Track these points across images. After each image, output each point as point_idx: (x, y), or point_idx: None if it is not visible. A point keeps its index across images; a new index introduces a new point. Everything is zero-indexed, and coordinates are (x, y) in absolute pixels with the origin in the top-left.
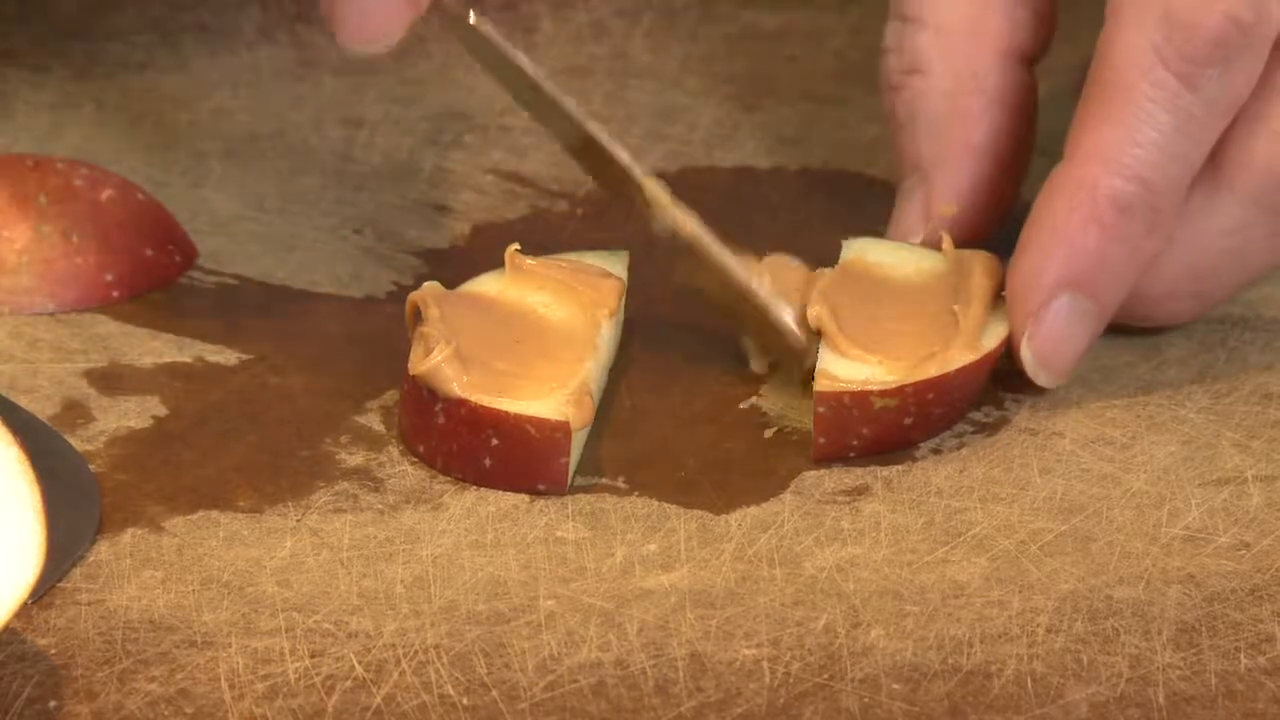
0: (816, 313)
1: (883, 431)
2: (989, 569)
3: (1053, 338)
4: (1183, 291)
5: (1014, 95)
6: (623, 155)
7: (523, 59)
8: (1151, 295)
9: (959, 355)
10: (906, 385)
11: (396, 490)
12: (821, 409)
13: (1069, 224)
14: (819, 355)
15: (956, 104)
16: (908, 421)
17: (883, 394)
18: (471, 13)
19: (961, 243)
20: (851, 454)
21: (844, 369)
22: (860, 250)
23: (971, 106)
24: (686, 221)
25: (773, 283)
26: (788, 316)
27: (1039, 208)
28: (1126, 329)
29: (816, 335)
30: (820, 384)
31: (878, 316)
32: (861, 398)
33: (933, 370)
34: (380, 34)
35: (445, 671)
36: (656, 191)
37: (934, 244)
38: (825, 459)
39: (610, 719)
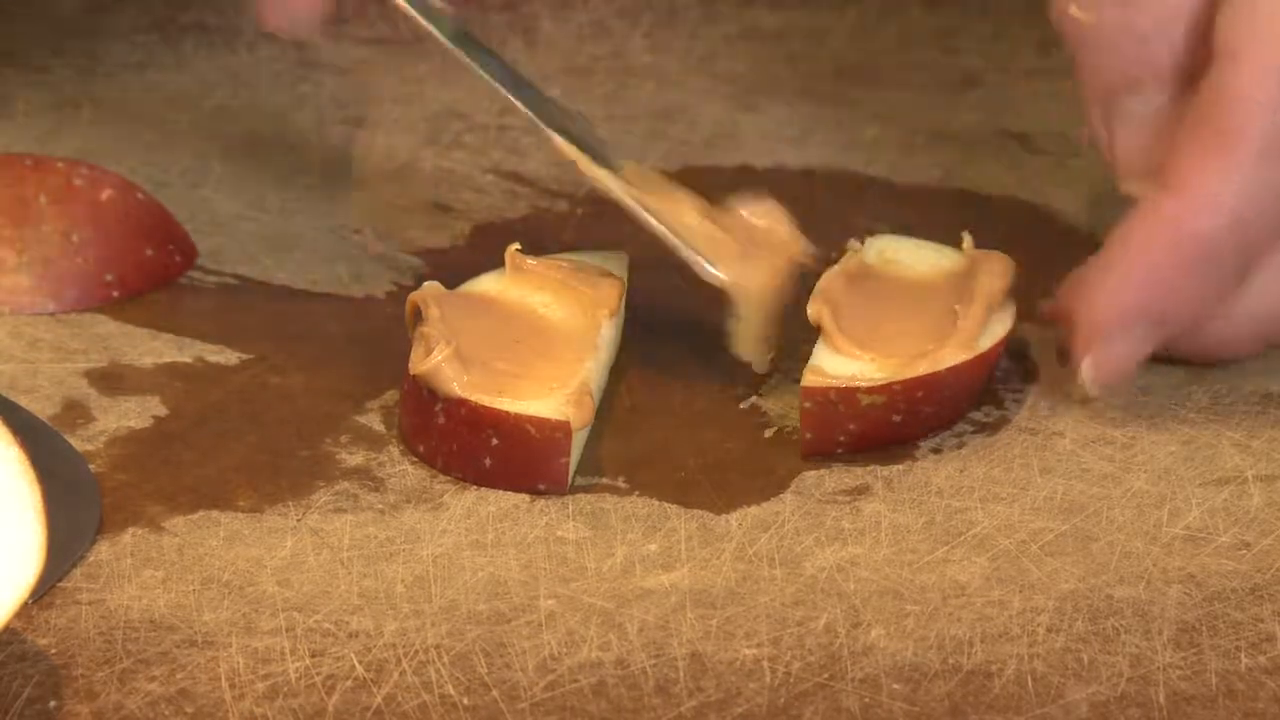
0: (816, 310)
1: (870, 428)
2: (989, 569)
3: (1116, 361)
4: (1246, 334)
5: None
6: (529, 114)
7: (434, 31)
8: (1215, 334)
9: (951, 354)
10: (894, 383)
11: (397, 490)
12: (808, 404)
13: (1158, 258)
14: (814, 352)
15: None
16: (896, 419)
17: (870, 390)
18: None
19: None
20: (839, 450)
21: (834, 365)
22: (881, 248)
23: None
24: (598, 174)
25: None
26: (698, 258)
27: (1125, 233)
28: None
29: (816, 331)
30: (807, 379)
31: (879, 314)
32: (848, 394)
33: (923, 368)
34: (302, 16)
35: (446, 671)
36: (565, 148)
37: None
38: (813, 454)
39: (610, 719)
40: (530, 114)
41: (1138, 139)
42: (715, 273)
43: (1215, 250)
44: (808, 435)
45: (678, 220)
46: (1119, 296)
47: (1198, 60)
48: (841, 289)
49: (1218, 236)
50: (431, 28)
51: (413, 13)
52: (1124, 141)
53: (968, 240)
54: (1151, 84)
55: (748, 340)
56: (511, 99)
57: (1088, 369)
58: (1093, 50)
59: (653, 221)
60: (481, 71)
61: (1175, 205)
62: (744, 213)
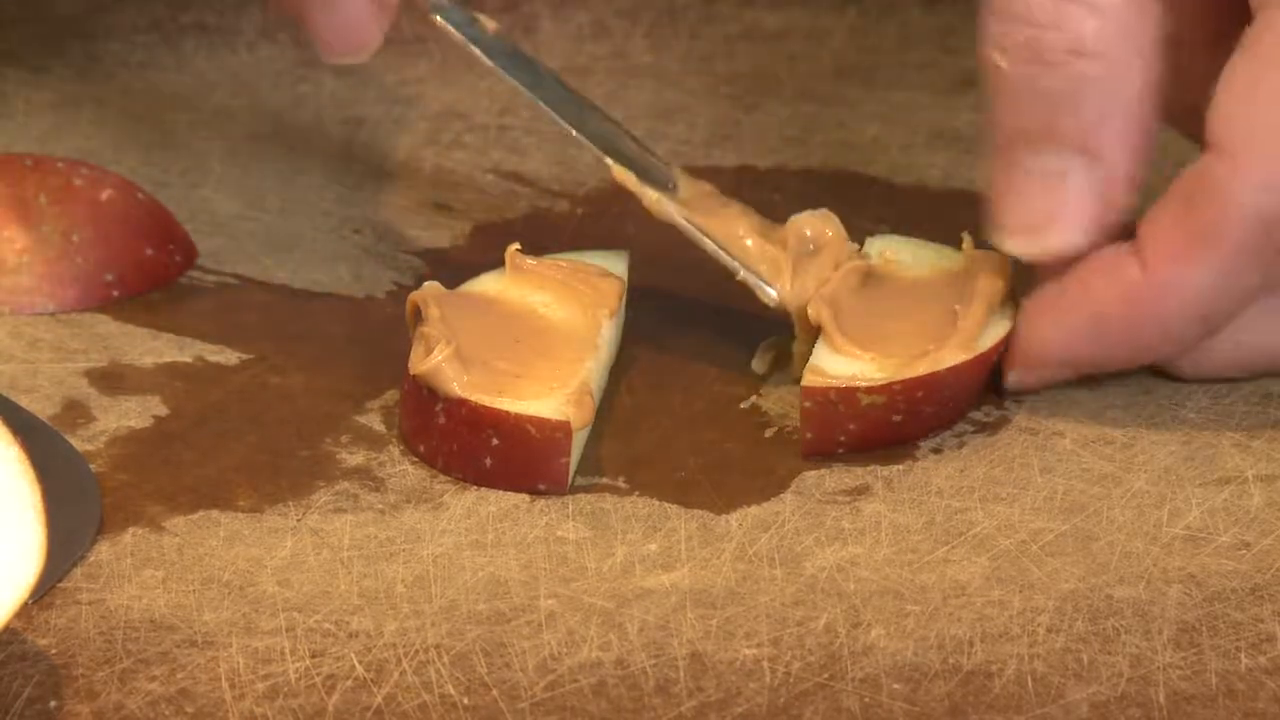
0: (817, 310)
1: (870, 428)
2: (990, 568)
3: (1042, 383)
4: (1224, 363)
5: (1162, 84)
6: (593, 148)
7: (482, 57)
8: (1189, 363)
9: (951, 354)
10: (894, 383)
11: (397, 490)
12: (808, 404)
13: (1111, 316)
14: (814, 352)
15: (1135, 91)
16: (897, 419)
17: (869, 390)
18: (438, 16)
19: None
20: (840, 449)
21: (835, 365)
22: (881, 248)
23: (1146, 94)
24: (664, 206)
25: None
26: (763, 283)
27: (1087, 274)
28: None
29: (817, 331)
30: (808, 379)
31: (880, 315)
32: (848, 394)
33: (923, 368)
34: (362, 43)
35: (446, 671)
36: (622, 175)
37: (1116, 231)
38: (813, 454)
39: (610, 719)
40: (584, 139)
41: (1025, 197)
42: (772, 293)
43: (1171, 330)
44: (808, 435)
45: (733, 240)
46: (1058, 338)
47: (1114, 135)
48: (842, 289)
49: (1174, 319)
50: (476, 50)
51: (458, 35)
52: (1011, 196)
53: (968, 241)
54: (1049, 146)
55: (804, 360)
56: (562, 123)
57: (1013, 380)
58: (1001, 98)
59: (709, 244)
60: (529, 93)
61: (1142, 278)
62: (797, 223)
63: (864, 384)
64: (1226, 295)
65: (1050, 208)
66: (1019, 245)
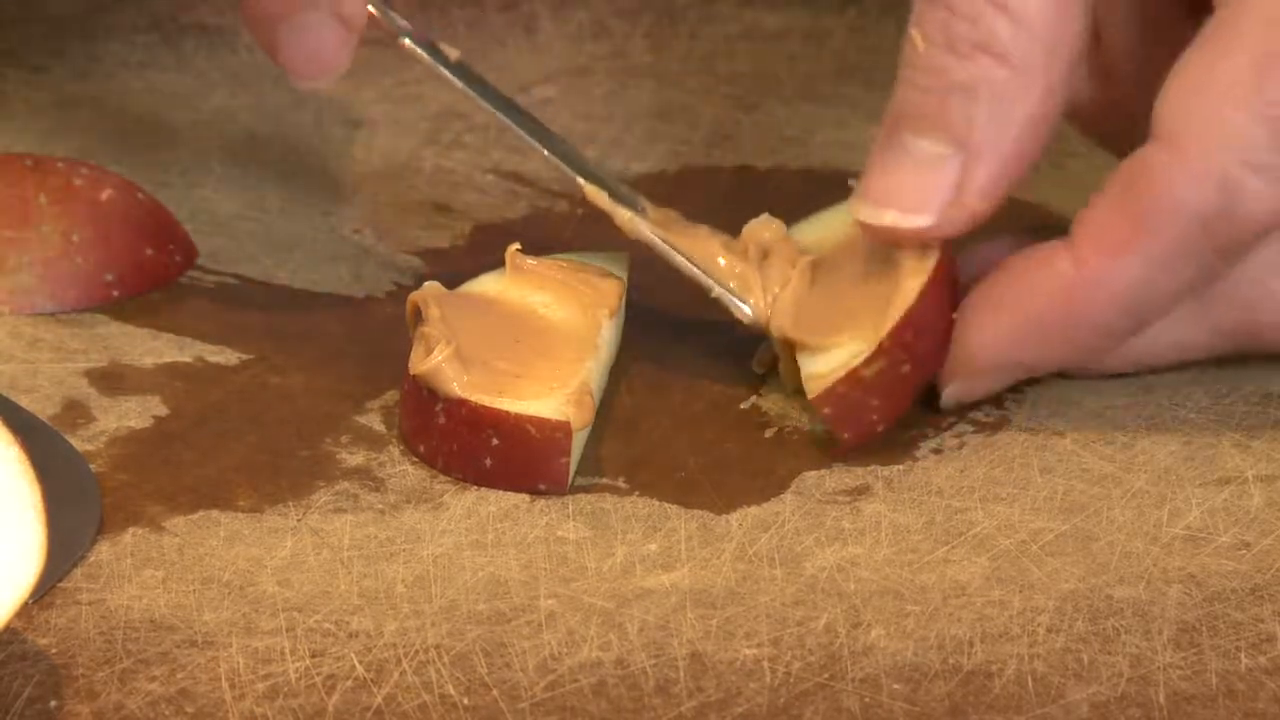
0: (779, 328)
1: (891, 393)
2: (990, 569)
3: (978, 393)
4: (1164, 350)
5: (1067, 102)
6: (564, 168)
7: (454, 80)
8: (1127, 354)
9: (910, 284)
10: (882, 341)
11: (397, 490)
12: (826, 410)
13: (1042, 313)
14: (800, 362)
15: (1033, 103)
16: (906, 369)
17: (868, 362)
18: (406, 38)
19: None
20: (881, 427)
21: (824, 363)
22: (806, 233)
23: (1046, 107)
24: (636, 225)
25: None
26: (734, 299)
27: (1017, 271)
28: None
29: (790, 347)
30: (811, 388)
31: (838, 296)
32: (852, 377)
33: (896, 313)
34: (329, 68)
35: (446, 671)
36: (596, 196)
37: (959, 227)
38: (858, 446)
39: (611, 719)
40: (556, 160)
41: (893, 172)
42: (748, 311)
43: (1102, 326)
44: (845, 436)
45: (707, 258)
46: (994, 342)
47: (997, 139)
48: (801, 290)
49: (1107, 315)
50: (446, 73)
51: (427, 59)
52: (880, 167)
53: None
54: (933, 132)
55: (792, 375)
56: (534, 143)
57: (949, 395)
58: (906, 74)
59: (685, 263)
60: (503, 116)
61: (1072, 270)
62: (748, 233)
63: (860, 360)
64: (1159, 290)
65: (911, 189)
66: (866, 213)
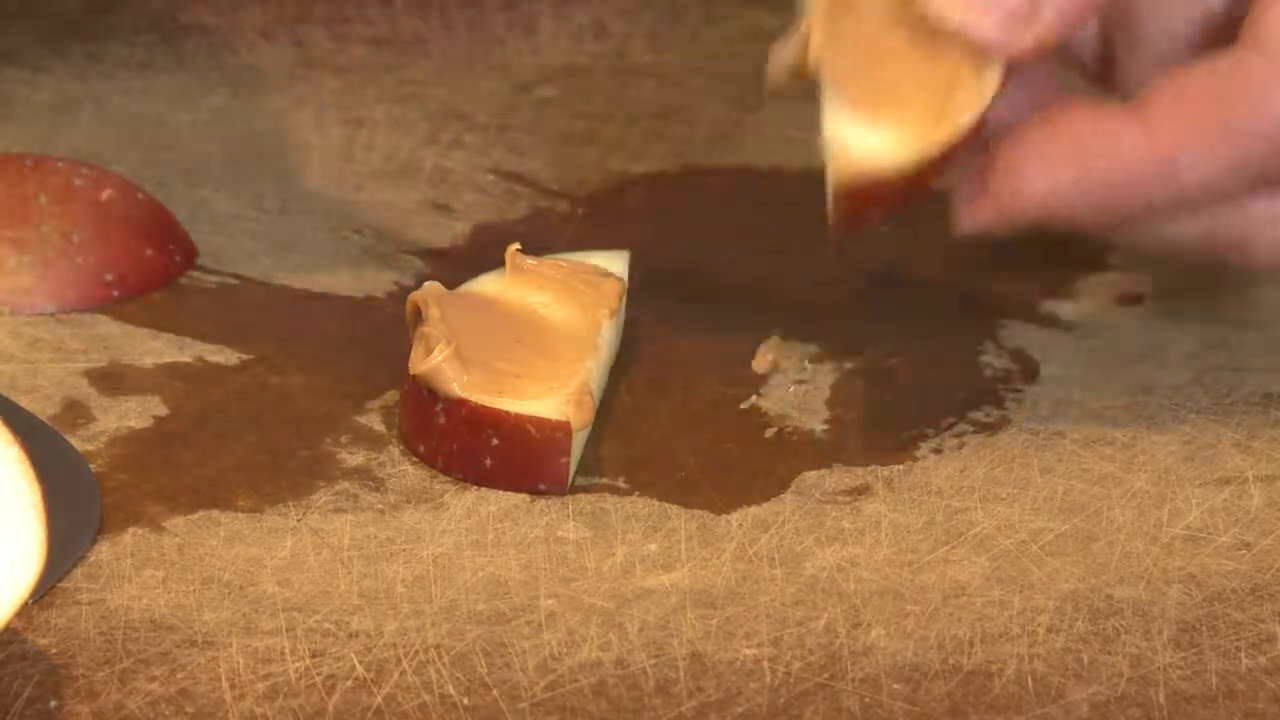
0: (815, 56)
1: (908, 195)
2: (990, 569)
3: (993, 232)
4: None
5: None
6: None
7: None
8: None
9: (966, 106)
10: (922, 169)
11: (397, 490)
12: (841, 193)
13: (1094, 168)
14: (824, 114)
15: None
16: (933, 183)
17: (902, 177)
18: None
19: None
20: (873, 224)
21: (854, 137)
22: None
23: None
24: None
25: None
26: None
27: (1092, 120)
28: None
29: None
30: (837, 166)
31: (872, 50)
32: (880, 185)
33: (944, 136)
34: None
35: (446, 671)
36: None
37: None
38: (848, 235)
39: (611, 719)
40: None
41: None
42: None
43: (1159, 205)
44: (841, 221)
45: None
46: (1048, 192)
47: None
48: (831, 29)
49: (1173, 198)
50: None
51: None
52: None
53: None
54: None
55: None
56: None
57: (971, 224)
58: None
59: None
60: None
61: (1146, 147)
62: None
63: (894, 172)
64: (1227, 187)
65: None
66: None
